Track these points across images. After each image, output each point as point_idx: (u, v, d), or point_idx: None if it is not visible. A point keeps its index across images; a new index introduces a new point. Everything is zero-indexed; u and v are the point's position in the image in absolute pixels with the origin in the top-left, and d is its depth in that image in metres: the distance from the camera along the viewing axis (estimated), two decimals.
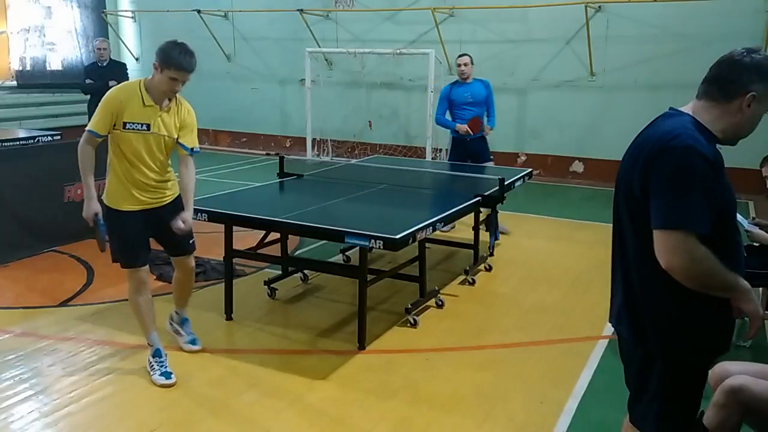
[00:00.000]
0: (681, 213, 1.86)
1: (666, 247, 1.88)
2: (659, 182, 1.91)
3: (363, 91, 11.87)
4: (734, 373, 2.54)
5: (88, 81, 8.55)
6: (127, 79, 8.78)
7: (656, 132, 2.02)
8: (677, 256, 1.87)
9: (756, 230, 4.07)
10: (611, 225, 2.27)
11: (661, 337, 2.06)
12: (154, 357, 3.76)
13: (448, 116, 6.87)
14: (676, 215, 1.86)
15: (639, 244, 2.04)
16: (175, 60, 3.42)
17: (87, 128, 3.50)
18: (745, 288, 1.98)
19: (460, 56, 6.87)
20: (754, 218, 4.17)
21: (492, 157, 7.03)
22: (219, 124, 13.89)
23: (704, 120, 2.02)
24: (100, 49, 8.69)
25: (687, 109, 2.10)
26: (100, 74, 8.51)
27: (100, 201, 3.61)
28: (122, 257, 3.67)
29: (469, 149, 6.84)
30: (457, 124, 6.74)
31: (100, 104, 3.50)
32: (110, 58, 8.82)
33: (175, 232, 3.63)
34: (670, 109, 2.15)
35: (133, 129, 3.50)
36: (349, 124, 11.94)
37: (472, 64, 6.81)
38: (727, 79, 1.99)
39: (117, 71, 8.69)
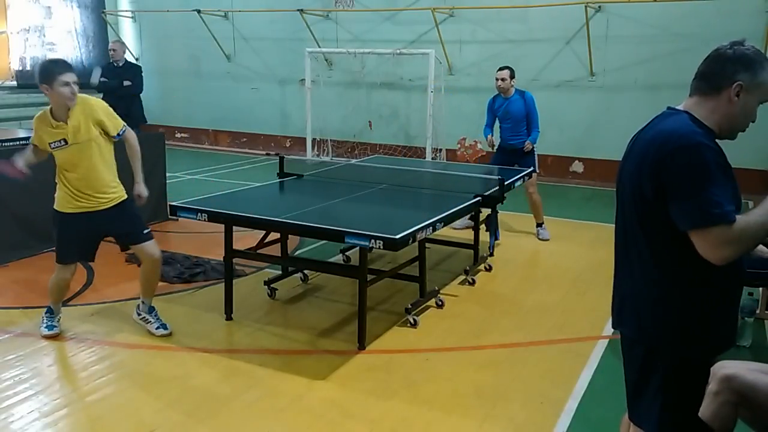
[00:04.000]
0: (713, 208, 1.88)
1: (712, 244, 1.90)
2: (679, 184, 1.92)
3: (363, 91, 11.88)
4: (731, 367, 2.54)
5: (102, 80, 8.61)
6: (142, 80, 8.87)
7: (658, 132, 2.03)
8: (725, 249, 1.90)
9: (760, 246, 4.02)
10: (612, 225, 2.28)
11: (667, 334, 2.07)
12: (47, 313, 4.29)
13: (496, 125, 6.82)
14: (709, 212, 1.88)
15: (648, 244, 2.06)
16: (55, 70, 3.81)
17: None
18: None
19: (498, 70, 6.63)
20: None
21: (533, 169, 6.61)
22: (219, 124, 13.89)
23: (700, 115, 2.05)
24: (113, 50, 8.80)
25: (682, 107, 2.12)
26: (116, 74, 8.59)
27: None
28: (57, 253, 4.15)
29: (512, 159, 6.70)
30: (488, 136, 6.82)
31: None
32: (125, 60, 8.90)
33: (122, 226, 4.16)
34: (668, 108, 2.16)
35: (56, 147, 3.95)
36: (349, 124, 11.94)
37: (512, 77, 6.55)
38: (713, 72, 2.04)
39: (132, 72, 8.79)
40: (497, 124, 6.85)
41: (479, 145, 7.33)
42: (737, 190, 2.01)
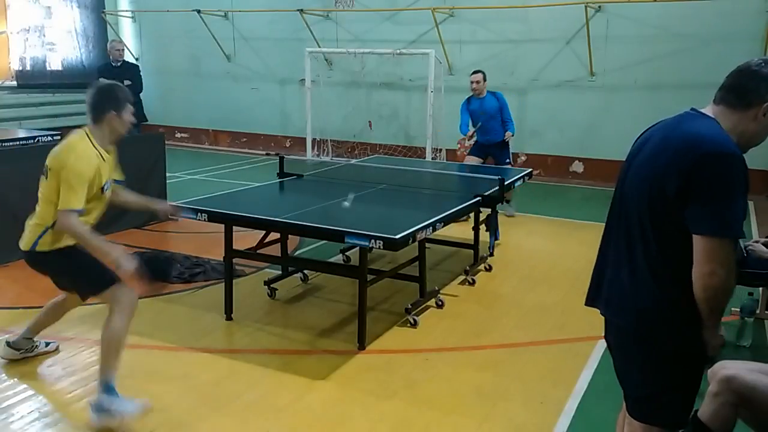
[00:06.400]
0: (732, 220, 1.92)
1: (714, 254, 1.93)
2: (708, 188, 1.93)
3: (363, 91, 11.87)
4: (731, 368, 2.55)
5: (102, 80, 8.62)
6: (141, 79, 8.89)
7: (691, 133, 2.03)
8: (723, 264, 1.93)
9: (759, 247, 4.02)
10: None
11: (673, 329, 2.09)
12: (109, 391, 3.25)
13: (470, 125, 7.48)
14: (729, 222, 1.92)
15: (658, 241, 2.07)
16: (130, 97, 3.42)
17: (69, 209, 3.16)
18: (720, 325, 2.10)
19: (472, 74, 7.41)
20: (756, 241, 4.11)
21: (509, 160, 7.49)
22: (219, 124, 13.89)
23: (724, 126, 2.06)
24: (118, 50, 8.84)
25: (708, 112, 2.12)
26: (115, 74, 8.61)
27: (37, 253, 3.40)
28: (109, 275, 3.33)
29: (488, 151, 7.49)
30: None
31: (74, 180, 3.17)
32: (123, 59, 8.96)
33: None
34: (692, 109, 2.16)
35: (106, 189, 3.41)
36: (349, 124, 11.94)
37: (485, 80, 7.36)
38: (746, 88, 2.05)
39: (131, 71, 8.85)
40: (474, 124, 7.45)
41: None
42: (746, 201, 2.04)
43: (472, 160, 7.50)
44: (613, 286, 2.24)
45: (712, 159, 1.93)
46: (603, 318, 2.33)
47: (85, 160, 3.23)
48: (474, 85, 7.35)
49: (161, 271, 3.20)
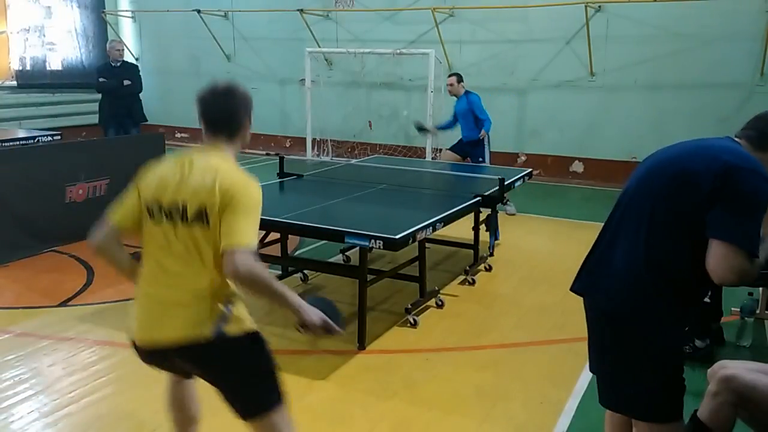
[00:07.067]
0: (751, 234, 2.01)
1: (728, 261, 2.00)
2: (737, 199, 2.01)
3: (363, 91, 11.87)
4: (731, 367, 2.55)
5: (101, 80, 8.61)
6: (140, 79, 8.88)
7: (727, 146, 2.16)
8: (734, 273, 2.01)
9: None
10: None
11: (646, 321, 2.15)
12: None
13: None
14: (749, 236, 2.00)
15: (664, 235, 2.13)
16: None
17: (247, 247, 2.34)
18: None
19: (447, 77, 7.89)
20: None
21: (482, 159, 7.67)
22: None
23: None
24: (117, 50, 8.83)
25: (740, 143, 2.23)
26: (114, 74, 8.62)
27: (229, 340, 2.35)
28: (281, 391, 2.48)
29: (465, 149, 7.81)
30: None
31: (254, 210, 2.32)
32: (123, 59, 8.98)
33: None
34: (726, 137, 2.27)
35: None
36: (349, 124, 11.94)
37: (459, 82, 7.70)
38: (765, 133, 2.19)
39: (130, 71, 8.84)
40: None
41: None
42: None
43: (449, 156, 7.97)
44: (600, 266, 2.31)
45: (747, 174, 2.03)
46: None
47: (256, 186, 2.29)
48: (449, 88, 7.74)
49: (335, 314, 2.42)
